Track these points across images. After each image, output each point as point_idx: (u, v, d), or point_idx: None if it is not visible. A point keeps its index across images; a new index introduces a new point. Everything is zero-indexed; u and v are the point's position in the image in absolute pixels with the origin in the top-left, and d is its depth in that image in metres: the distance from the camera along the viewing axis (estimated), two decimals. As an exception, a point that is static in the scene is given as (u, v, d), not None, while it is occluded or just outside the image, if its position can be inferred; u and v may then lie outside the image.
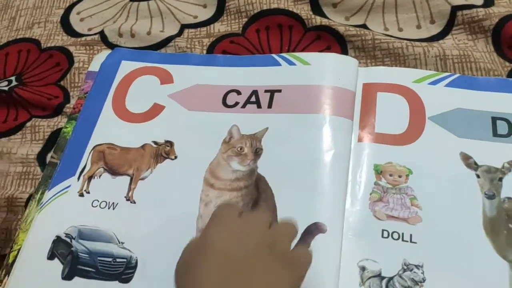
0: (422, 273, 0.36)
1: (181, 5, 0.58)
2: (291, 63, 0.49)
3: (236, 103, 0.47)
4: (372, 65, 0.49)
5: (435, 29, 0.51)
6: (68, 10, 0.61)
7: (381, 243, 0.38)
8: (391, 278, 0.36)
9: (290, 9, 0.53)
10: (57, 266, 0.40)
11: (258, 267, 0.29)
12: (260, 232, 0.31)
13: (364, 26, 0.52)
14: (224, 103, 0.48)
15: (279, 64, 0.49)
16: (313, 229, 0.38)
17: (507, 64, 0.47)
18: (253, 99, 0.47)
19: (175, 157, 0.45)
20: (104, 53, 0.55)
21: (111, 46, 0.56)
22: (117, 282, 0.39)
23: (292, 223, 0.33)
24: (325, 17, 0.53)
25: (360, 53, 0.50)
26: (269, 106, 0.46)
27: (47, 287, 0.39)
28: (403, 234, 0.38)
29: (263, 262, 0.29)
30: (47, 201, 0.44)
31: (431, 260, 0.37)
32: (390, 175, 0.41)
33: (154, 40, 0.55)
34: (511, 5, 0.50)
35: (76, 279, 0.39)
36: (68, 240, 0.41)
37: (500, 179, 0.40)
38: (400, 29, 0.52)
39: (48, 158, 0.48)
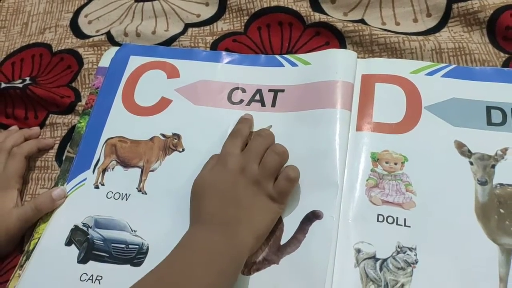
0: (415, 255, 0.37)
1: (184, 4, 0.59)
2: (293, 64, 0.50)
3: (241, 101, 0.49)
4: (370, 59, 0.50)
5: (431, 22, 0.52)
6: (77, 13, 0.62)
7: (376, 227, 0.39)
8: (385, 260, 0.38)
9: (290, 6, 0.54)
10: (73, 251, 0.43)
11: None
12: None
13: (362, 21, 0.53)
14: (230, 99, 0.49)
15: (282, 65, 0.51)
16: (311, 217, 0.40)
17: (502, 54, 0.48)
18: (257, 97, 0.49)
19: (183, 150, 0.47)
20: (113, 49, 0.56)
21: (117, 45, 0.57)
22: (128, 265, 0.41)
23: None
24: (324, 13, 0.54)
25: (358, 48, 0.51)
26: (273, 105, 0.48)
27: (63, 269, 0.42)
28: (397, 218, 0.39)
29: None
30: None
31: (423, 243, 0.38)
32: (386, 162, 0.42)
33: (159, 39, 0.56)
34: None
35: (91, 263, 0.42)
36: (85, 229, 0.44)
37: (493, 166, 0.41)
38: (397, 23, 0.53)
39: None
